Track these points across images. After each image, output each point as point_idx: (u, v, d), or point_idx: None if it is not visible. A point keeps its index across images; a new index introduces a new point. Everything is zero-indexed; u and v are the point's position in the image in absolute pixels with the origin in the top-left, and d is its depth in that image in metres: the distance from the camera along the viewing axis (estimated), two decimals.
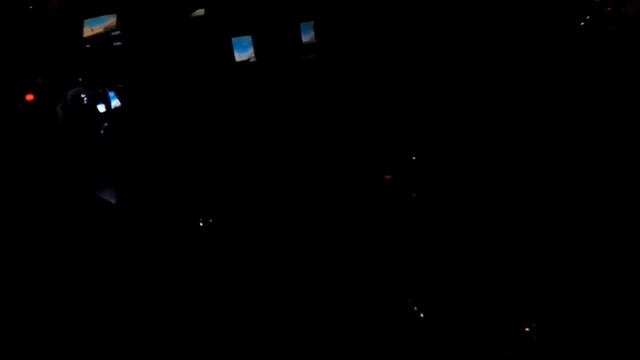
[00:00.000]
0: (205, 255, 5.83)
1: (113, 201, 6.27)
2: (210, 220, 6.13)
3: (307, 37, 8.42)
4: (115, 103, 7.15)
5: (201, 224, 6.16)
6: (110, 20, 7.53)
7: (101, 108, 7.04)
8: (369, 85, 7.54)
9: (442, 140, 6.84)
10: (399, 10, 7.79)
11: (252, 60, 8.12)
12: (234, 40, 8.02)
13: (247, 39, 8.11)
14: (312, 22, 8.36)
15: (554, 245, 5.64)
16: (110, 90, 7.14)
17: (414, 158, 6.38)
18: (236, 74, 7.91)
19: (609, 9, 7.75)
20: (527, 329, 5.08)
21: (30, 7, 7.32)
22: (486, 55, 7.42)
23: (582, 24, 7.49)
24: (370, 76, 7.61)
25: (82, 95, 6.88)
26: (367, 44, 7.85)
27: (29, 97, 6.91)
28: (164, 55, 7.59)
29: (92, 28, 7.42)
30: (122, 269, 5.47)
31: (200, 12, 8.08)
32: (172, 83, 7.39)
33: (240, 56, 8.05)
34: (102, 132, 6.88)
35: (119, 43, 7.69)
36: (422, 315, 5.25)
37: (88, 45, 7.38)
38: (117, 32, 7.67)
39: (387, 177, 6.46)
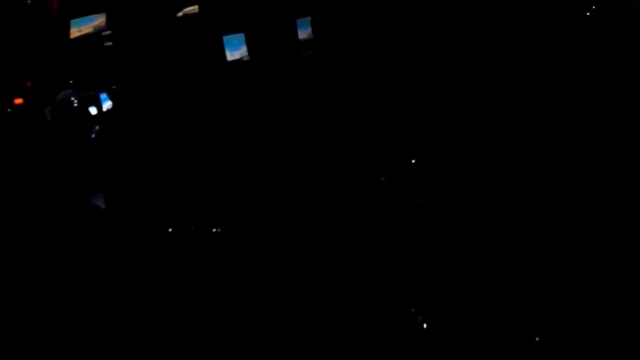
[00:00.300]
0: (199, 258, 5.74)
1: (104, 206, 6.17)
2: (204, 226, 6.03)
3: (303, 33, 8.22)
4: (107, 105, 7.02)
5: (193, 228, 6.03)
6: (100, 20, 7.37)
7: (92, 111, 6.91)
8: (368, 84, 7.43)
9: (441, 140, 6.75)
10: (400, 5, 7.68)
11: (245, 59, 7.91)
12: (225, 38, 7.81)
13: (239, 37, 7.90)
14: (309, 17, 8.18)
15: (560, 251, 5.52)
16: (102, 92, 6.99)
17: (413, 161, 6.27)
18: (228, 74, 7.70)
19: None
20: (537, 339, 4.93)
21: (29, 1, 7.17)
22: (490, 47, 7.36)
23: (588, 14, 7.41)
24: (370, 75, 7.50)
25: (72, 98, 6.78)
26: (367, 41, 7.72)
27: (18, 100, 6.77)
28: (153, 55, 7.43)
29: (80, 28, 7.24)
30: (113, 273, 5.43)
31: (193, 9, 7.92)
32: (162, 84, 7.23)
33: (232, 55, 7.85)
34: (93, 135, 6.76)
35: (109, 43, 7.53)
36: (424, 324, 5.12)
37: (77, 46, 7.23)
38: (108, 32, 7.51)
39: (382, 177, 6.34)
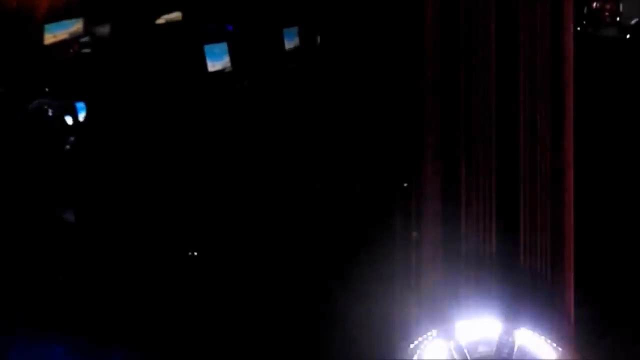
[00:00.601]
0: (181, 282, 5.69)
1: (75, 220, 6.09)
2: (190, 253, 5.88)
3: (290, 43, 8.00)
4: (83, 115, 6.84)
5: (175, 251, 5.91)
6: (76, 26, 7.18)
7: (68, 120, 6.71)
8: (360, 98, 7.28)
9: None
10: (394, 14, 7.54)
11: (228, 70, 7.69)
12: (207, 47, 7.59)
13: (222, 47, 7.67)
14: (296, 27, 8.01)
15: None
16: (79, 101, 6.81)
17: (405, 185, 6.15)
18: (209, 86, 7.49)
19: (606, 14, 7.68)
20: None
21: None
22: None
23: (579, 29, 7.35)
24: (361, 88, 7.35)
25: (46, 107, 6.60)
26: (358, 52, 7.57)
27: None
28: (133, 64, 7.25)
29: (55, 34, 7.07)
30: (82, 290, 5.45)
31: (176, 16, 7.74)
32: (142, 94, 7.06)
33: (213, 66, 7.62)
34: (68, 146, 6.57)
35: (87, 50, 7.38)
36: None
37: (51, 53, 7.05)
38: (86, 39, 7.33)
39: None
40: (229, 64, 7.70)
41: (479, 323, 4.28)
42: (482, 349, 4.25)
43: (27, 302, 5.33)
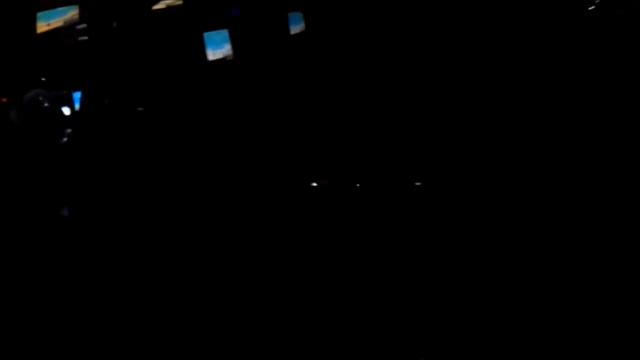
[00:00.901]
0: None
1: (72, 216, 6.02)
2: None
3: (296, 29, 7.75)
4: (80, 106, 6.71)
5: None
6: (72, 13, 6.98)
7: (65, 111, 6.60)
8: (367, 86, 7.15)
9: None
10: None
11: (229, 58, 7.45)
12: (206, 35, 7.35)
13: (223, 34, 7.44)
14: (301, 13, 7.79)
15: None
16: (76, 91, 6.68)
17: (418, 183, 6.05)
18: (208, 76, 7.31)
19: None
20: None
21: None
22: (491, 41, 7.17)
23: (591, 8, 7.23)
24: (367, 75, 7.21)
25: (41, 98, 6.46)
26: (366, 37, 7.42)
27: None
28: (131, 52, 7.07)
29: (49, 22, 6.87)
30: (74, 289, 5.41)
31: (176, 0, 7.53)
32: (141, 84, 6.88)
33: (213, 54, 7.38)
34: (64, 139, 6.42)
35: (84, 38, 7.15)
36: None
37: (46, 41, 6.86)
38: (82, 26, 7.13)
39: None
40: (230, 52, 7.48)
41: None
42: None
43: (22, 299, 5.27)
